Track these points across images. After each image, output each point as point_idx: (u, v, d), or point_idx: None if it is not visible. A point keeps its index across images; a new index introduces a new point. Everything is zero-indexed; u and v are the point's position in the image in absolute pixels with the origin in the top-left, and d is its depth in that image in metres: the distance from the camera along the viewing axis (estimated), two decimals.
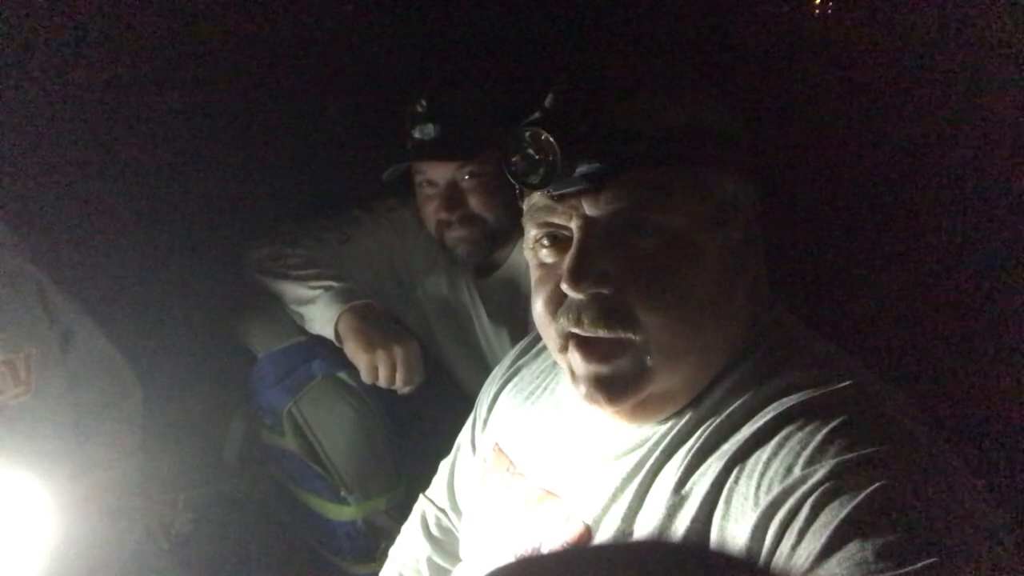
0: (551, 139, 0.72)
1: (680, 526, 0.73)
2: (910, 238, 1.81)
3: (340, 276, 1.56)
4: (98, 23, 1.63)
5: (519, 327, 1.55)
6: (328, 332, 1.50)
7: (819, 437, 0.68)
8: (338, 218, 1.71)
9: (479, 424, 1.07)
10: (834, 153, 1.88)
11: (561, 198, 0.76)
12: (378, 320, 1.51)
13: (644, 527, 0.75)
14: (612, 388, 0.77)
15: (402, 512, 1.24)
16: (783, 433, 0.71)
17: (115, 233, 1.66)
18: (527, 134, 0.74)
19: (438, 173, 1.55)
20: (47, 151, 1.57)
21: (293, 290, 1.55)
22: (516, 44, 2.01)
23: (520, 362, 1.05)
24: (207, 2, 1.77)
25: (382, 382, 1.48)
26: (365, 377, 1.48)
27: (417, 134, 1.54)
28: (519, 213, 0.85)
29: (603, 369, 0.76)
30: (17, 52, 1.52)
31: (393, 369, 1.47)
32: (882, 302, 1.78)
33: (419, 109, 1.54)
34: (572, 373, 0.80)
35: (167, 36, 1.71)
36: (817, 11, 1.95)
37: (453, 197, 1.55)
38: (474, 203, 1.55)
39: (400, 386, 1.49)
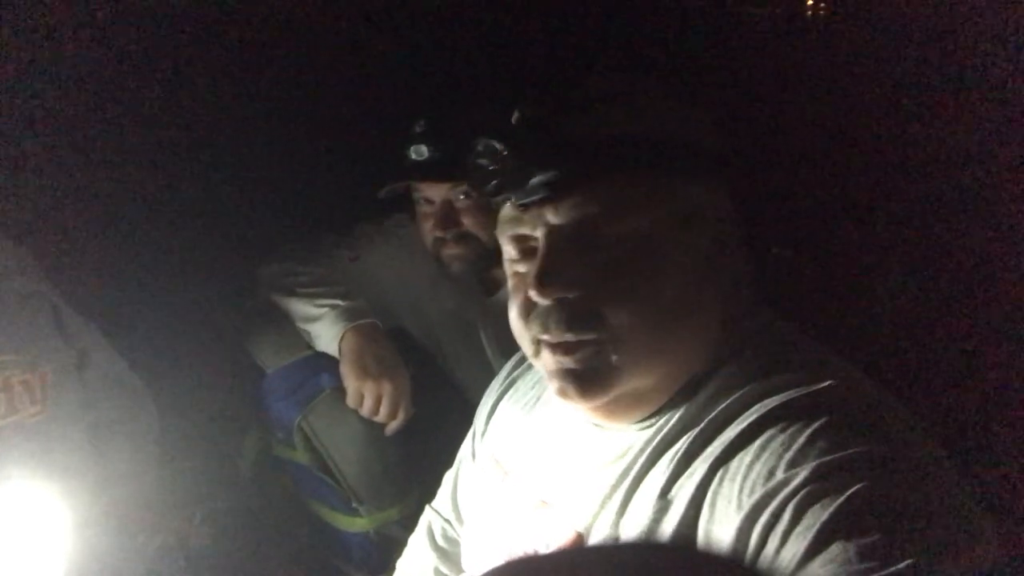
0: (502, 149, 0.76)
1: (666, 530, 0.73)
2: (907, 242, 1.79)
3: (348, 294, 1.58)
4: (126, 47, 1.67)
5: None
6: (333, 350, 1.53)
7: (801, 439, 0.68)
8: (348, 235, 1.73)
9: (478, 436, 1.08)
10: (827, 158, 1.87)
11: (526, 208, 0.79)
12: (378, 346, 1.53)
13: (631, 532, 0.76)
14: (581, 381, 0.78)
15: (415, 524, 1.25)
16: (766, 435, 0.71)
17: (127, 252, 1.70)
18: (479, 145, 0.78)
19: (433, 192, 1.57)
20: (59, 174, 1.61)
21: (301, 307, 1.58)
22: (517, 63, 2.02)
23: (515, 373, 1.07)
24: (223, 20, 1.81)
25: (364, 412, 1.51)
26: (350, 402, 1.51)
27: (413, 154, 1.57)
28: None
29: (572, 364, 0.78)
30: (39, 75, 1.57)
31: (377, 402, 1.50)
32: (880, 309, 1.76)
33: (416, 129, 1.57)
34: (547, 372, 0.82)
35: (175, 55, 1.75)
36: (809, 12, 1.94)
37: (448, 216, 1.57)
38: (468, 222, 1.56)
39: (381, 420, 1.52)
